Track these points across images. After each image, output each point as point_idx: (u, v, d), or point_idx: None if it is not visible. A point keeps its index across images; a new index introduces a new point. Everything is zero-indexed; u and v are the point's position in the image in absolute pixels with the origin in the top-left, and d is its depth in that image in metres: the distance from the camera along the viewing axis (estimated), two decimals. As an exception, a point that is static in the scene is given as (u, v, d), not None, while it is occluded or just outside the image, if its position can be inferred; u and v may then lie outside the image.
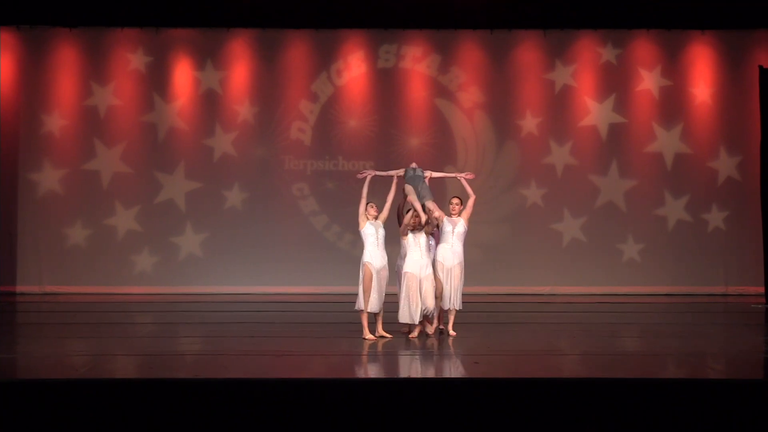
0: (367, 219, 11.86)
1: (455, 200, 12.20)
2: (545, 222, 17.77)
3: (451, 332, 11.95)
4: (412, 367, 10.17)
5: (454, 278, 11.93)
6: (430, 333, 11.87)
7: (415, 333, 11.83)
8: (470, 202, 12.23)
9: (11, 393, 8.42)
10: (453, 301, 11.95)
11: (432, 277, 11.76)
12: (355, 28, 17.67)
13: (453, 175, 12.72)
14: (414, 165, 12.16)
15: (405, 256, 11.77)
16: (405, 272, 11.69)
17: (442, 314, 12.10)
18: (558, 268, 17.65)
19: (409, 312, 11.64)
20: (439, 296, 11.91)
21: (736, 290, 17.55)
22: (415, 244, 11.75)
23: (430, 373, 9.85)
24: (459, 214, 12.16)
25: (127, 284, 17.41)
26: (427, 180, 12.07)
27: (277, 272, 17.42)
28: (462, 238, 12.09)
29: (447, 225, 12.05)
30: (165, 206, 17.62)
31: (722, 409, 8.51)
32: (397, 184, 12.05)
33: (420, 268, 11.70)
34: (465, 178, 12.37)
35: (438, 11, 17.26)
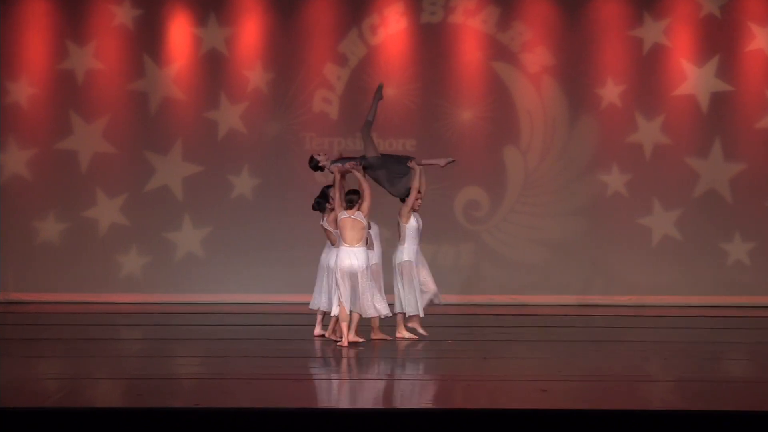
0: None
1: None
2: (630, 215, 17.70)
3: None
4: (461, 395, 10.14)
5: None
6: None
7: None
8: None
9: (-33, 424, 8.48)
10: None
11: None
12: (394, -27, 17.69)
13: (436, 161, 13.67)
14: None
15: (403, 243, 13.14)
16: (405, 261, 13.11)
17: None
18: (646, 273, 17.58)
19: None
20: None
21: None
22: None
23: (484, 403, 9.81)
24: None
25: (110, 290, 17.49)
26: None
27: (294, 277, 17.33)
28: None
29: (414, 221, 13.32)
30: (158, 195, 17.69)
31: None
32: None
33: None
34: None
35: (497, -48, 17.27)
